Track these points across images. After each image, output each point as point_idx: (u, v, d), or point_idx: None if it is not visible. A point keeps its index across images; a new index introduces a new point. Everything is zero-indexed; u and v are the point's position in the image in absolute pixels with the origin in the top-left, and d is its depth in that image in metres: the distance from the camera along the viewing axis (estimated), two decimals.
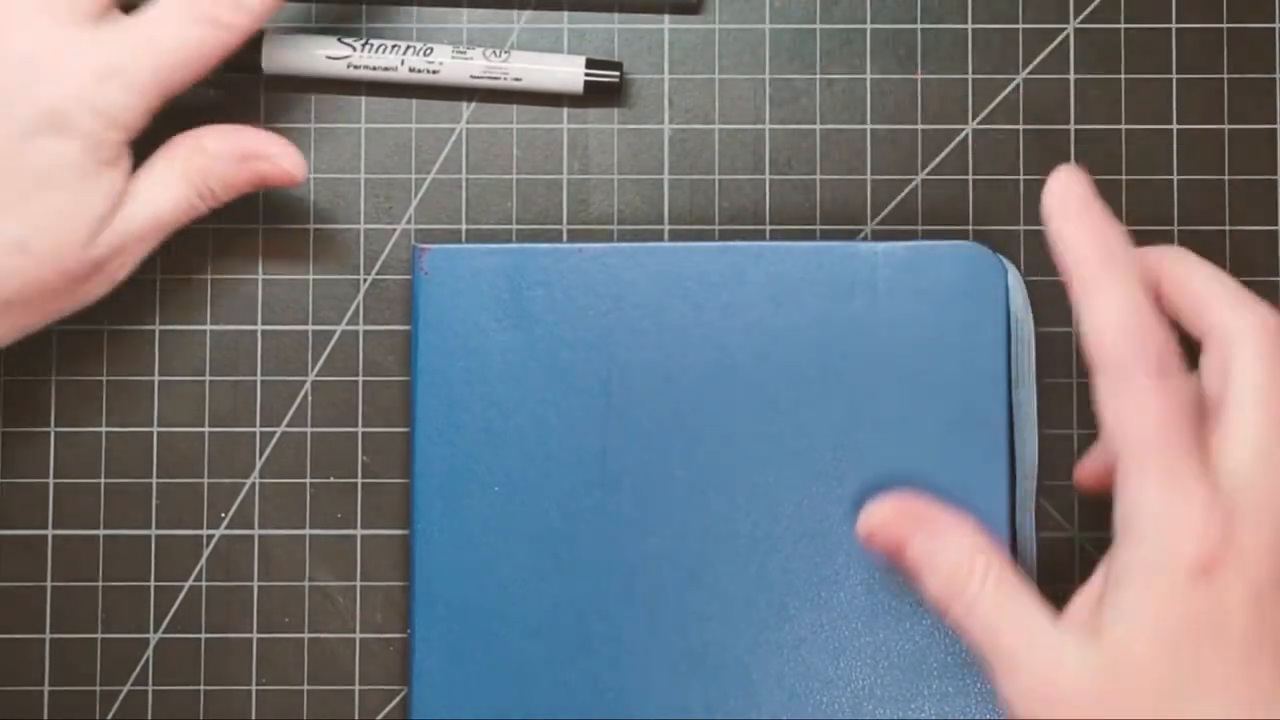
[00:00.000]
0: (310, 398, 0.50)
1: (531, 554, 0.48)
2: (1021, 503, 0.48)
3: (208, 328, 0.50)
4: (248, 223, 0.50)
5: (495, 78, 0.49)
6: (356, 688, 0.49)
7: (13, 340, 0.45)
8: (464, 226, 0.50)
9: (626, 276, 0.48)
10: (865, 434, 0.47)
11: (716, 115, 0.50)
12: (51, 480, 0.50)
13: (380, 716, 0.49)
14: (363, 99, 0.50)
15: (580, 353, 0.48)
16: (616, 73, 0.49)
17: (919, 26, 0.50)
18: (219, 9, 0.44)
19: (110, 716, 0.49)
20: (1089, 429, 0.49)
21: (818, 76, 0.50)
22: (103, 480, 0.50)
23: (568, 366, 0.48)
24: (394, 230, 0.50)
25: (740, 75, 0.50)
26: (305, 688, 0.49)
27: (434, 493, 0.48)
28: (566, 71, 0.49)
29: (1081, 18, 0.51)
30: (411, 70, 0.49)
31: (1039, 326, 0.49)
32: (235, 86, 0.49)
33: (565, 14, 0.50)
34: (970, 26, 0.50)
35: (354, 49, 0.49)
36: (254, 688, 0.49)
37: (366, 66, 0.49)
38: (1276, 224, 0.50)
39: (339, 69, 0.49)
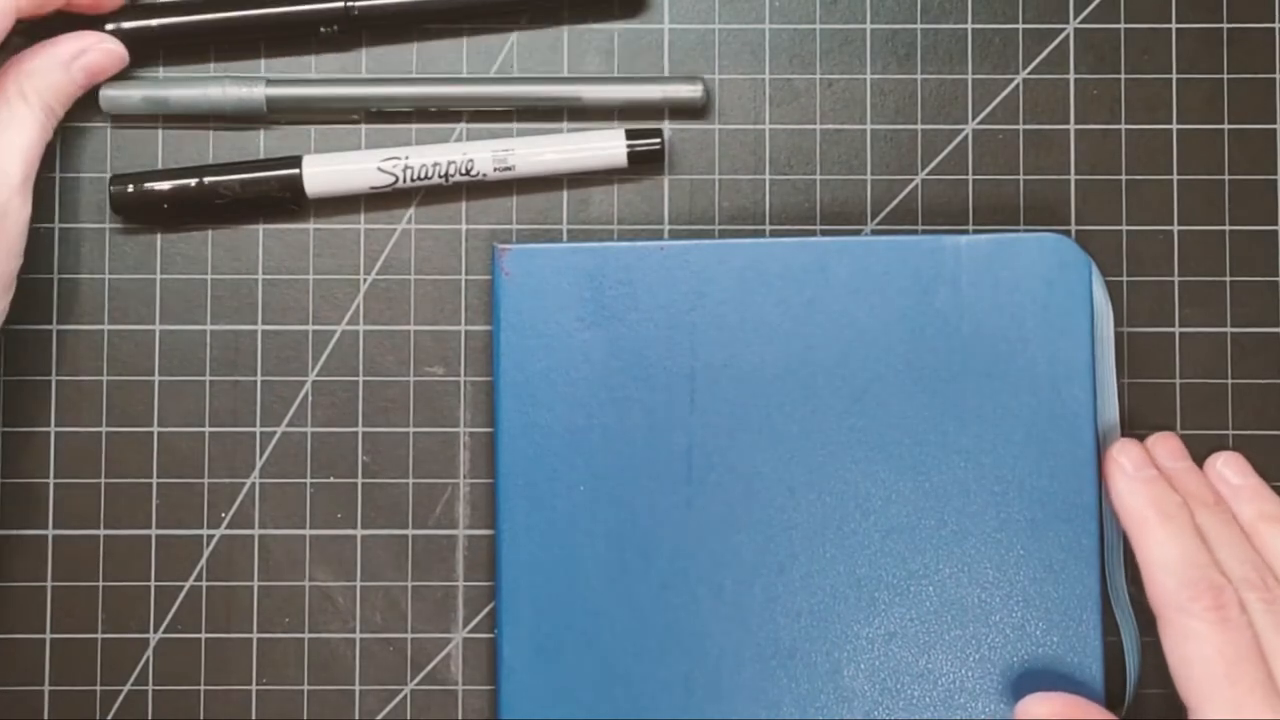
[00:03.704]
0: (310, 398, 0.50)
1: (617, 552, 0.48)
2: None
3: (208, 328, 0.50)
4: (248, 223, 0.50)
5: (537, 175, 0.49)
6: (356, 688, 0.49)
7: None
8: (464, 226, 0.50)
9: (708, 273, 0.48)
10: (951, 427, 0.47)
11: (717, 115, 0.50)
12: (51, 480, 0.50)
13: (380, 716, 0.49)
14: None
15: (663, 350, 0.48)
16: (658, 140, 0.49)
17: (919, 26, 0.50)
18: None
19: (110, 716, 0.49)
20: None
21: (818, 76, 0.50)
22: (103, 480, 0.50)
23: (651, 364, 0.48)
24: (394, 230, 0.50)
25: (740, 75, 0.50)
26: (305, 688, 0.49)
27: (518, 493, 0.48)
28: (611, 149, 0.49)
29: (1081, 18, 0.51)
30: (451, 178, 0.49)
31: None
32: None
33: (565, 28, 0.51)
34: (970, 26, 0.50)
35: (397, 176, 0.49)
36: (254, 688, 0.49)
37: (410, 180, 0.49)
38: (1276, 224, 0.50)
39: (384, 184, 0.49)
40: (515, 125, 0.50)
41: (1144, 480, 0.46)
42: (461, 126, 0.50)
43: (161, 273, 0.50)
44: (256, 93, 0.49)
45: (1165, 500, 0.45)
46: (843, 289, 0.48)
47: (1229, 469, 0.47)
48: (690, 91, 0.49)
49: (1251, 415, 0.50)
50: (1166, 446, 0.48)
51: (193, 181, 0.49)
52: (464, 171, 0.49)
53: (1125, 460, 0.46)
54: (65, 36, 0.48)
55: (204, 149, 0.50)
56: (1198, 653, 0.43)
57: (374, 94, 0.50)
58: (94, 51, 0.48)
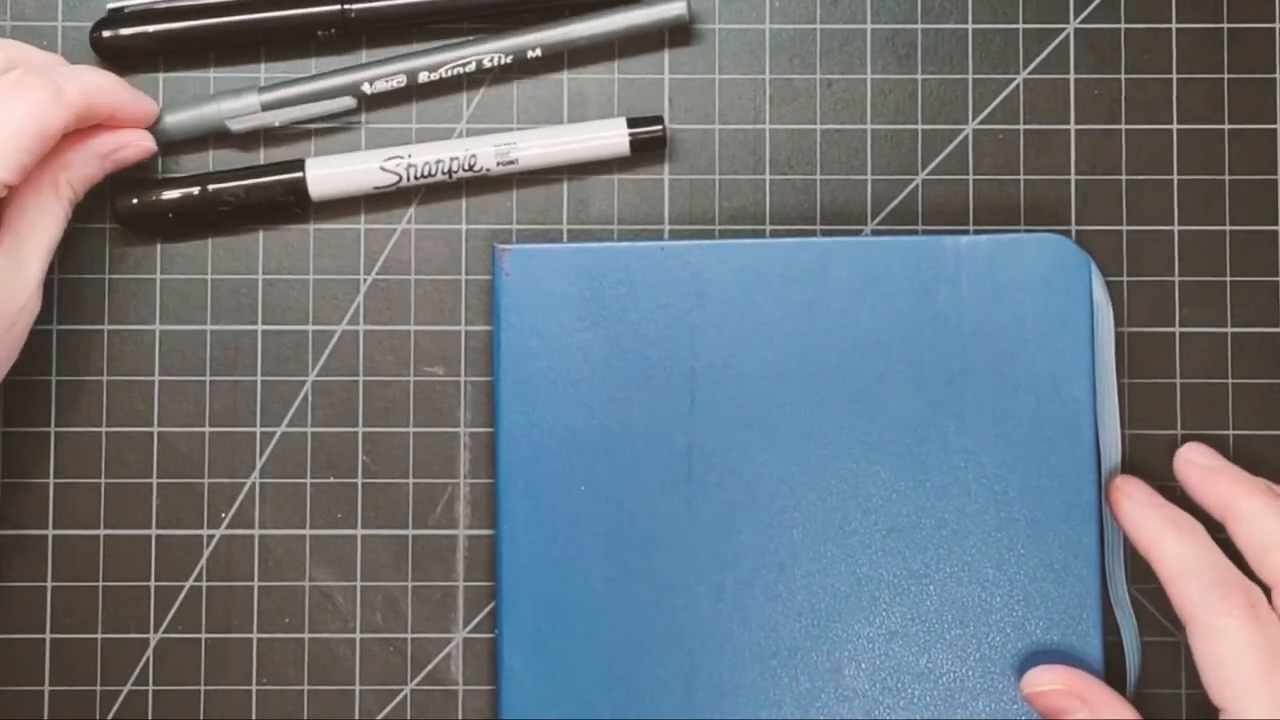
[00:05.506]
0: (310, 398, 0.50)
1: (618, 552, 0.48)
2: (1107, 496, 0.48)
3: (208, 328, 0.50)
4: (247, 223, 0.50)
5: (540, 169, 0.49)
6: (356, 688, 0.49)
7: None
8: (464, 226, 0.50)
9: (709, 273, 0.48)
10: (951, 427, 0.48)
11: (716, 115, 0.50)
12: (51, 480, 0.50)
13: (380, 717, 0.49)
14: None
15: (663, 350, 0.48)
16: (660, 127, 0.49)
17: (919, 26, 0.50)
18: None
19: (110, 716, 0.49)
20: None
21: (818, 76, 0.50)
22: (103, 480, 0.50)
23: (651, 364, 0.48)
24: (394, 230, 0.50)
25: (740, 75, 0.50)
26: (305, 688, 0.49)
27: (519, 493, 0.48)
28: (614, 138, 0.49)
29: (1082, 17, 0.51)
30: (454, 174, 0.49)
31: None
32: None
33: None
34: (970, 26, 0.50)
35: (400, 175, 0.49)
36: (254, 688, 0.49)
37: (414, 178, 0.49)
38: (1277, 224, 0.50)
39: (388, 184, 0.49)
40: (515, 125, 0.50)
41: (1154, 504, 0.46)
42: (462, 125, 0.50)
43: (161, 273, 0.50)
44: (250, 101, 0.49)
45: (1179, 515, 0.46)
46: (843, 289, 0.48)
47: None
48: (675, 10, 0.49)
49: (1252, 416, 0.50)
50: (1199, 450, 0.48)
51: (196, 189, 0.49)
52: (467, 167, 0.49)
53: (1132, 489, 0.47)
54: (104, 130, 0.48)
55: (203, 161, 0.50)
56: (1230, 650, 0.43)
57: (364, 76, 0.49)
58: (130, 149, 0.48)
